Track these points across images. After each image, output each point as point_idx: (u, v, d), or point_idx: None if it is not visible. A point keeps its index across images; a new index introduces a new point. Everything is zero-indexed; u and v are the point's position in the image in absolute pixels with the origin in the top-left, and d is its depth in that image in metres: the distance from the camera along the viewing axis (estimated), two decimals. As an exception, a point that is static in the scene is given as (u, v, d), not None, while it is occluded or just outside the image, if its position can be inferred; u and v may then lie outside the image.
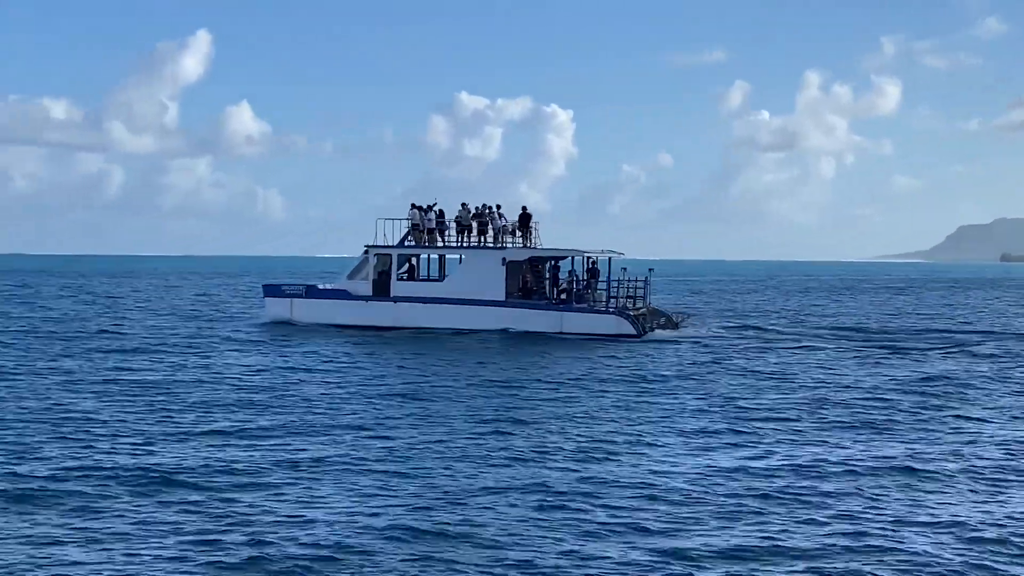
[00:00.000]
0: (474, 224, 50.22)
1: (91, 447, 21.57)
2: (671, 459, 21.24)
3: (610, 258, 50.89)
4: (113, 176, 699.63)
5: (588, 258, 50.80)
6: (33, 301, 76.51)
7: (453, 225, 50.75)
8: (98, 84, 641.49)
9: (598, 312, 48.68)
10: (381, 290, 49.66)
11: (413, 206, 50.42)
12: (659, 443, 22.96)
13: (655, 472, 19.93)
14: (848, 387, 32.94)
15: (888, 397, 30.85)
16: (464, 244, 50.40)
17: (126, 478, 18.73)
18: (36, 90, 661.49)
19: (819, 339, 50.45)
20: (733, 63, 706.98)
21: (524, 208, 51.21)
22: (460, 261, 50.42)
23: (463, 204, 50.68)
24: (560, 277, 50.79)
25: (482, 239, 50.27)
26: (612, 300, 49.67)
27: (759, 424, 25.64)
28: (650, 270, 52.06)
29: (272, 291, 52.27)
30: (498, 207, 50.76)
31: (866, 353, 44.80)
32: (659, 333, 49.20)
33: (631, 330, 47.69)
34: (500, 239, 50.06)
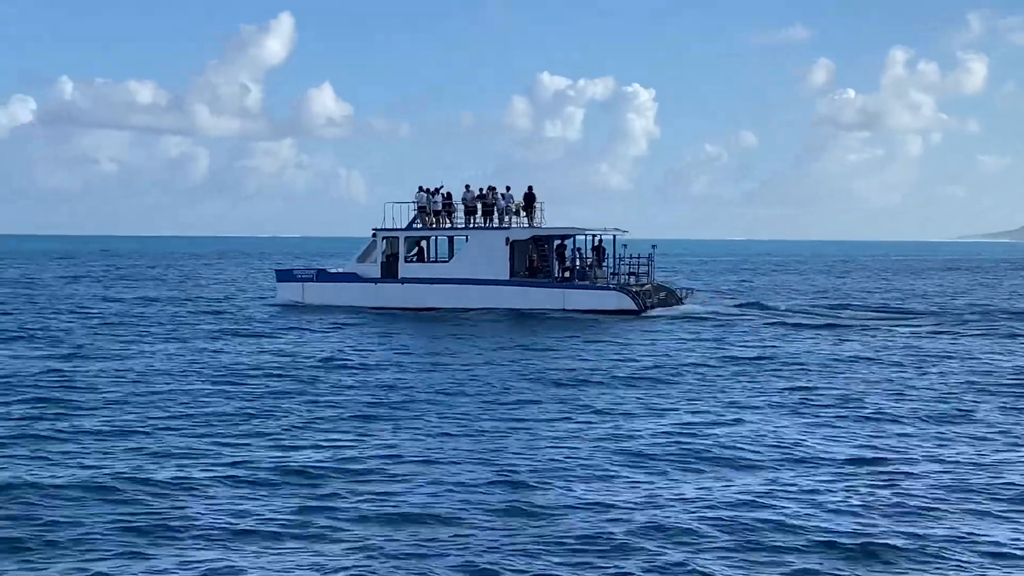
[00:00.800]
0: (479, 205, 51.25)
1: (176, 433, 21.53)
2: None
3: (615, 236, 51.72)
4: (198, 158, 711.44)
5: (594, 236, 51.70)
6: (124, 281, 78.94)
7: (461, 207, 51.81)
8: (183, 67, 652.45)
9: (600, 289, 49.56)
10: (389, 272, 50.96)
11: (420, 189, 51.60)
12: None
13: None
14: (829, 366, 32.95)
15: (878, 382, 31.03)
16: (469, 225, 51.45)
17: (213, 468, 18.46)
18: (122, 74, 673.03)
19: (817, 316, 51.05)
20: (815, 41, 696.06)
21: (529, 188, 52.24)
22: (465, 242, 51.58)
23: (467, 186, 51.84)
24: (566, 256, 51.62)
25: (487, 220, 51.31)
26: (613, 277, 50.63)
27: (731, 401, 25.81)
28: (653, 247, 52.73)
29: (284, 276, 53.90)
30: (507, 188, 51.79)
31: (868, 333, 45.38)
32: (661, 309, 49.93)
33: (632, 306, 48.53)
34: (504, 220, 51.07)
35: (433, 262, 52.48)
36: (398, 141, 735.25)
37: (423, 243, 53.01)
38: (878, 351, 36.53)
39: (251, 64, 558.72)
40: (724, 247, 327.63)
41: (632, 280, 51.38)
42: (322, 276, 52.50)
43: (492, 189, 51.49)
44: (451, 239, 53.11)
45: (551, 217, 52.66)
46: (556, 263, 50.57)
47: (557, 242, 51.35)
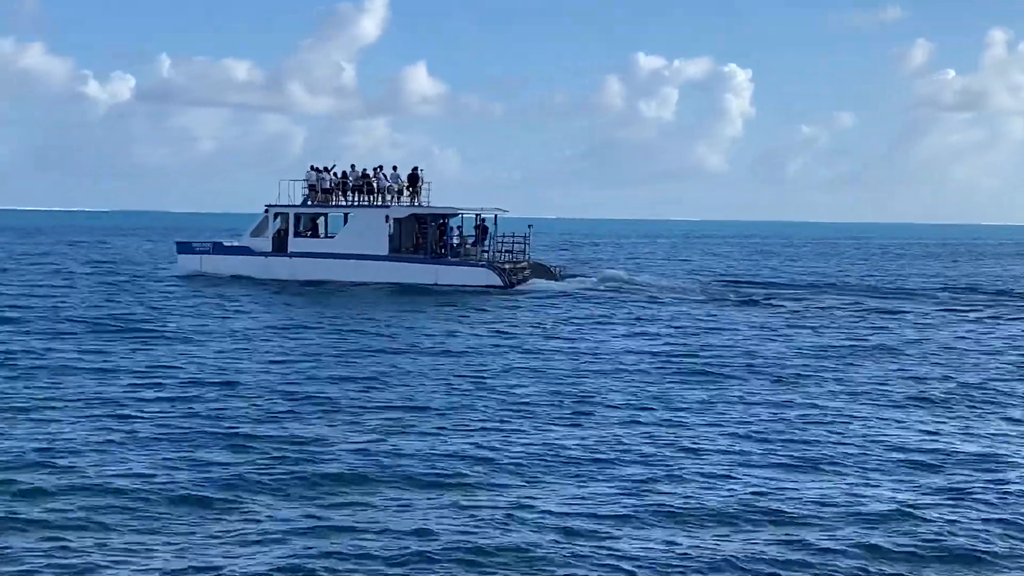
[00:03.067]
0: (365, 185, 54.36)
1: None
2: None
3: (496, 216, 54.55)
4: (294, 137, 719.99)
5: (477, 215, 54.61)
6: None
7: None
8: (277, 46, 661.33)
9: (469, 266, 52.45)
10: (280, 246, 54.34)
11: (311, 168, 54.86)
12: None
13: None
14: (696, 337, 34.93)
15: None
16: (355, 204, 54.64)
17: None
18: (219, 52, 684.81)
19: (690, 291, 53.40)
20: (913, 21, 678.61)
21: (414, 168, 55.10)
22: (350, 219, 54.76)
23: (352, 166, 54.98)
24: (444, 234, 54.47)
25: (371, 199, 54.41)
26: (485, 254, 53.47)
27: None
28: (529, 226, 55.41)
29: (184, 248, 57.75)
30: (395, 168, 54.89)
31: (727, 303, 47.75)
32: (528, 285, 52.54)
33: (498, 282, 51.34)
34: (386, 198, 54.14)
35: (317, 237, 55.67)
36: (492, 120, 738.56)
37: (319, 220, 56.24)
38: (689, 321, 39.25)
39: (345, 43, 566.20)
40: (817, 230, 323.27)
41: (508, 257, 54.19)
42: (218, 248, 56.12)
43: (379, 168, 54.63)
44: (346, 216, 56.25)
45: (441, 197, 55.58)
46: (432, 240, 53.51)
47: (440, 220, 54.28)
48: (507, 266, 52.96)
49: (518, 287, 51.72)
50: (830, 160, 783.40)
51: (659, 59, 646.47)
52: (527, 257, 55.22)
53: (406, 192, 54.71)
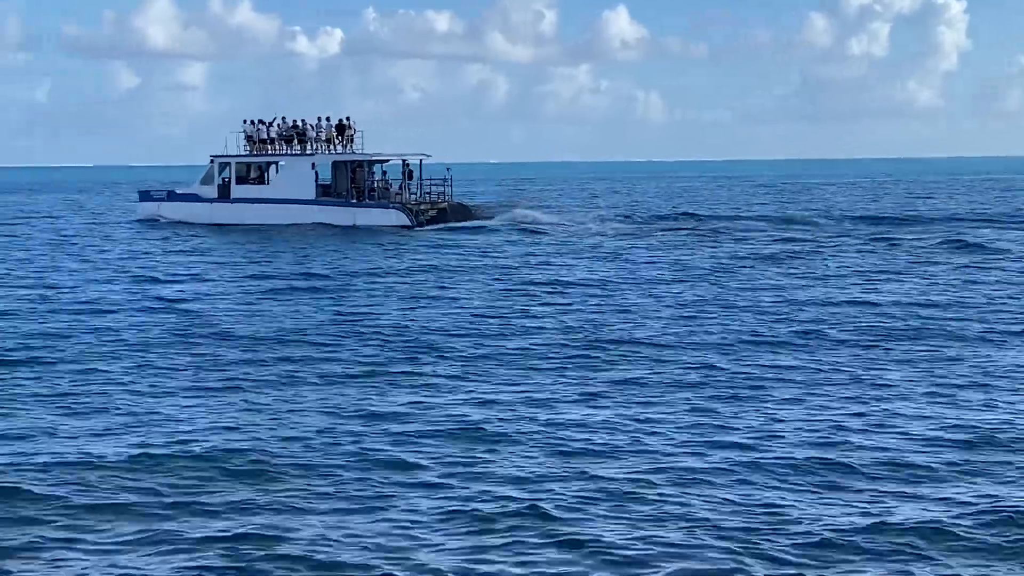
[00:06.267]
0: (295, 135, 58.73)
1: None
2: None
3: (420, 161, 58.34)
4: (496, 85, 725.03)
5: (403, 161, 58.50)
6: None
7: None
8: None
9: (382, 208, 56.35)
10: (224, 193, 59.34)
11: (245, 121, 59.50)
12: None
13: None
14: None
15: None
16: (287, 153, 59.13)
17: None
18: (420, 4, 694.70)
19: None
20: None
21: (341, 119, 59.13)
22: (281, 167, 59.31)
23: (283, 118, 59.34)
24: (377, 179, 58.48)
25: (303, 147, 58.74)
26: (398, 197, 57.26)
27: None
28: (448, 169, 58.71)
29: (144, 196, 63.75)
30: (327, 119, 59.06)
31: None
32: (438, 224, 56.05)
33: (407, 221, 55.18)
34: (315, 147, 58.37)
35: (256, 184, 60.26)
36: (694, 62, 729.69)
37: (268, 170, 60.72)
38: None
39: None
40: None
41: (428, 199, 57.96)
42: (172, 196, 61.65)
43: (304, 121, 58.95)
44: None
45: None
46: (352, 185, 57.54)
47: (366, 166, 58.28)
48: (423, 207, 56.62)
49: (427, 226, 55.37)
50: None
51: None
52: (447, 199, 58.66)
53: (336, 140, 58.76)
